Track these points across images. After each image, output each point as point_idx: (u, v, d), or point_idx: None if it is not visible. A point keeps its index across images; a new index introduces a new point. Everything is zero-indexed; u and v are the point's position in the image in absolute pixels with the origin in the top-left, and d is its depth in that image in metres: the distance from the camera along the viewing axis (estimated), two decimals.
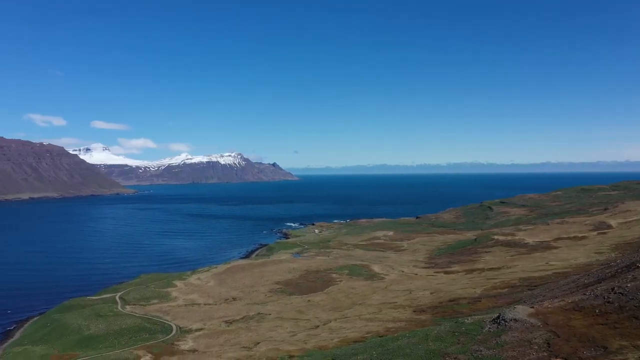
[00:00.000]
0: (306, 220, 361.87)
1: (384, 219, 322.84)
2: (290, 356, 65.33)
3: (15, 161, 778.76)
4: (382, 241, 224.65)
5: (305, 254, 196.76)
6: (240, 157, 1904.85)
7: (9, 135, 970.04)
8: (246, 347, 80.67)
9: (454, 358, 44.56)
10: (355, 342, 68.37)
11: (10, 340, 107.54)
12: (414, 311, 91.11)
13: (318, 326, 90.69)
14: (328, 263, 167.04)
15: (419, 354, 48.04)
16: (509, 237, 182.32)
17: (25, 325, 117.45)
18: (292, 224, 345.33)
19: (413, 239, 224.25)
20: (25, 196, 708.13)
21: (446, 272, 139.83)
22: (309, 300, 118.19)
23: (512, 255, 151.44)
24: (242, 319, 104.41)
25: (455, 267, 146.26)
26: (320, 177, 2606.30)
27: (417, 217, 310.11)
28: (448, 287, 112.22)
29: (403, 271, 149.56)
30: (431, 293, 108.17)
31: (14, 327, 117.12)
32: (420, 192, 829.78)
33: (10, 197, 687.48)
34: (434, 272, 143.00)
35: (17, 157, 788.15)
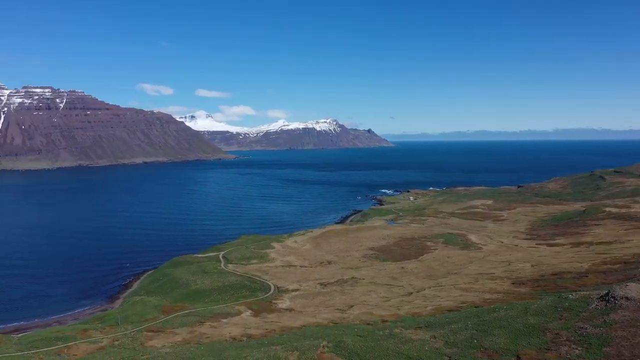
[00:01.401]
0: (401, 187, 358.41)
1: (482, 188, 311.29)
2: (384, 321, 65.98)
3: (130, 128, 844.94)
4: (480, 210, 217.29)
5: (400, 221, 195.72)
6: (336, 124, 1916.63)
7: (123, 104, 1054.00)
8: (340, 309, 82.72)
9: (555, 334, 42.52)
10: (449, 311, 67.48)
11: (129, 290, 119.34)
12: (513, 283, 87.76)
13: (411, 293, 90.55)
14: (423, 231, 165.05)
15: (517, 327, 46.42)
16: (624, 210, 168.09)
17: (142, 278, 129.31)
18: (386, 190, 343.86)
19: (514, 209, 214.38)
20: (139, 160, 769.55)
21: (549, 245, 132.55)
22: (402, 267, 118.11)
23: (626, 230, 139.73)
24: (336, 282, 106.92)
25: (560, 240, 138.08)
26: (416, 144, 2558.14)
27: (518, 186, 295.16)
28: (551, 260, 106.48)
29: (502, 242, 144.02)
30: (532, 266, 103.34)
31: (132, 279, 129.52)
32: (523, 160, 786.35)
33: (126, 161, 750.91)
34: (536, 244, 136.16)
35: (132, 125, 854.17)
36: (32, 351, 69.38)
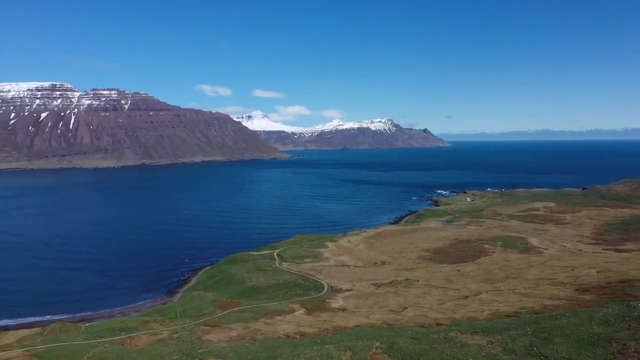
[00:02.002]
0: (457, 188, 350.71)
1: (544, 189, 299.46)
2: (438, 324, 64.78)
3: (190, 128, 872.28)
4: (541, 213, 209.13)
5: (456, 223, 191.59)
6: (391, 123, 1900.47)
7: (184, 104, 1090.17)
8: (394, 310, 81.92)
9: (623, 345, 40.24)
10: (507, 316, 65.38)
11: (188, 285, 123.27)
12: (576, 290, 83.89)
13: (468, 296, 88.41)
14: (480, 233, 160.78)
15: (581, 336, 44.29)
16: None
17: (199, 274, 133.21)
18: (442, 191, 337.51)
19: (578, 212, 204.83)
20: (197, 159, 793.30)
21: (617, 250, 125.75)
22: (458, 270, 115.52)
23: None
24: (390, 283, 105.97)
25: (629, 245, 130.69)
26: (474, 144, 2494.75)
27: (583, 189, 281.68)
28: (619, 267, 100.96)
29: (565, 246, 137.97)
30: (598, 272, 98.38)
31: (190, 275, 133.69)
32: (589, 161, 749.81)
33: (185, 160, 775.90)
34: (602, 250, 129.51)
35: (191, 125, 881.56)
36: (98, 340, 72.99)
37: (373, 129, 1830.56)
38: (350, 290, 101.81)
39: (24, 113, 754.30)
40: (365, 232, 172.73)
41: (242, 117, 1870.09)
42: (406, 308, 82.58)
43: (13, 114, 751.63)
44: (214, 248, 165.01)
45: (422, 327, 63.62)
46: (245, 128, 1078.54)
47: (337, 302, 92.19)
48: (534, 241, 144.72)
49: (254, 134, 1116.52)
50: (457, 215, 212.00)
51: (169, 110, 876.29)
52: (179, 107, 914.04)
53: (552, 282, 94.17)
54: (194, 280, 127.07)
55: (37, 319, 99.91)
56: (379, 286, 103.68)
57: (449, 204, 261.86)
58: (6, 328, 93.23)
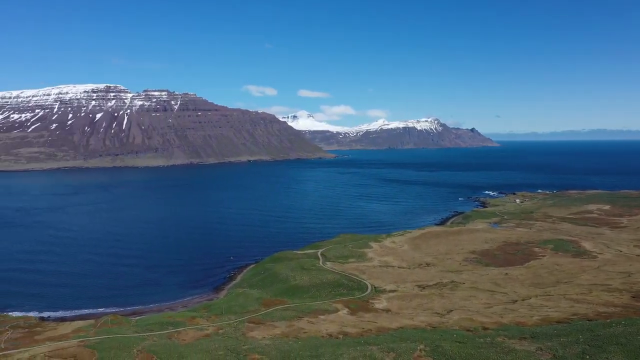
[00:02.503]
0: (506, 189, 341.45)
1: (598, 191, 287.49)
2: (485, 328, 63.31)
3: (236, 128, 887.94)
4: (595, 215, 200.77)
5: (504, 225, 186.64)
6: (437, 123, 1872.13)
7: (231, 105, 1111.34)
8: (438, 313, 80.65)
9: None
10: (558, 322, 63.17)
11: (233, 282, 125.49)
12: (633, 297, 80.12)
13: (516, 301, 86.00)
14: (530, 235, 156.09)
15: (637, 346, 42.25)
16: None
17: (245, 271, 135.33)
18: (490, 192, 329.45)
19: (635, 215, 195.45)
20: (243, 159, 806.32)
21: None
22: (506, 273, 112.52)
23: None
24: (435, 285, 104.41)
25: None
26: (523, 144, 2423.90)
27: None
28: None
29: (621, 251, 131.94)
30: None
31: (236, 272, 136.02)
32: None
33: (232, 159, 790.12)
34: None
35: (238, 125, 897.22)
36: (147, 333, 75.33)
37: (419, 128, 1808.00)
38: (394, 291, 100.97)
39: (80, 114, 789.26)
40: (410, 232, 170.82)
41: (288, 117, 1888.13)
42: (451, 311, 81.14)
43: (71, 115, 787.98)
44: (259, 246, 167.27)
45: (468, 330, 62.35)
46: (291, 128, 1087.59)
47: (380, 303, 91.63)
48: (587, 245, 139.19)
49: (299, 133, 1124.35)
50: (505, 217, 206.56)
51: (216, 110, 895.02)
52: (226, 107, 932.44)
53: (606, 288, 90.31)
54: (239, 278, 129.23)
55: (91, 311, 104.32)
56: (423, 288, 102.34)
57: (497, 205, 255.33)
58: (63, 319, 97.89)
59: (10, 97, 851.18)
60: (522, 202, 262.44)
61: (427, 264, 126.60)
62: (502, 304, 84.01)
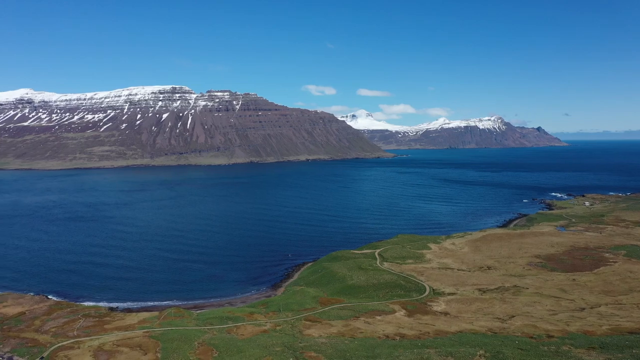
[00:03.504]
0: (574, 191, 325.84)
1: None
2: (549, 336, 60.70)
3: (295, 127, 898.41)
4: None
5: (572, 228, 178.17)
6: (501, 121, 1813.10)
7: (290, 104, 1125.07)
8: (500, 318, 78.14)
9: None
10: (630, 332, 59.63)
11: (291, 280, 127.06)
12: None
13: (584, 309, 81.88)
14: (600, 240, 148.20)
15: None
16: None
17: (302, 269, 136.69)
18: (557, 194, 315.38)
19: None
20: (302, 157, 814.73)
21: None
22: (573, 279, 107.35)
23: None
24: (496, 289, 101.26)
25: None
26: (594, 143, 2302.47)
27: None
28: None
29: None
30: None
31: (293, 270, 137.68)
32: None
33: (291, 158, 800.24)
34: None
35: (297, 124, 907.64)
36: (207, 327, 77.65)
37: (481, 127, 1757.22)
38: (453, 294, 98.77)
39: (148, 114, 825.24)
40: (471, 234, 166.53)
41: (347, 116, 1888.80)
42: (513, 316, 78.38)
43: (139, 115, 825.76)
44: (316, 245, 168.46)
45: (531, 337, 60.03)
46: (349, 127, 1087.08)
47: (439, 306, 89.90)
48: None
49: (357, 133, 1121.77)
50: (573, 220, 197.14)
51: (276, 110, 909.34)
52: (285, 107, 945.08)
53: None
54: (296, 276, 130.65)
55: (156, 303, 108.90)
56: (484, 292, 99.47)
57: (564, 207, 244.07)
58: (129, 310, 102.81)
59: (85, 99, 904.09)
60: (591, 205, 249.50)
61: (488, 267, 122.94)
62: (568, 311, 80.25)
